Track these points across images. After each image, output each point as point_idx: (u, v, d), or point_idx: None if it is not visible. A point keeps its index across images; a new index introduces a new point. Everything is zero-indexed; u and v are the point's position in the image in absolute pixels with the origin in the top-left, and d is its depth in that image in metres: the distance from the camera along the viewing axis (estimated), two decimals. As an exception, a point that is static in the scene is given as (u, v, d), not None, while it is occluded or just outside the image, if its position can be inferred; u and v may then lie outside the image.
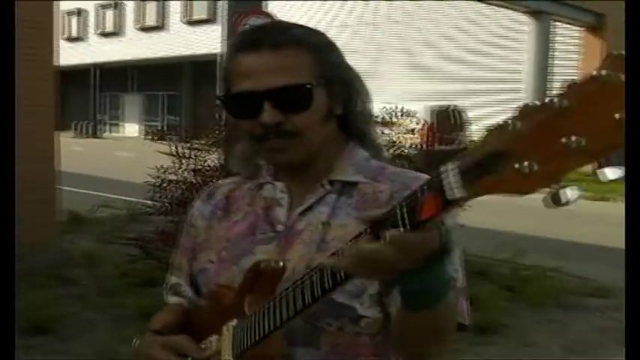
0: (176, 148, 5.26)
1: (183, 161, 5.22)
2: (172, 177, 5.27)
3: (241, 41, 1.18)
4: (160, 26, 29.00)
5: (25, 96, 6.28)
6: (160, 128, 30.85)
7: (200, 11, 26.79)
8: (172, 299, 1.34)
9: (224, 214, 1.29)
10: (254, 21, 7.47)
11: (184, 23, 27.47)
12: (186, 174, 5.30)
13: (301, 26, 1.22)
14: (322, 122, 1.18)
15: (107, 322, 4.98)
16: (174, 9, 28.57)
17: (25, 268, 6.02)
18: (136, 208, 8.87)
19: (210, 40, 26.28)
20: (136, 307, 5.13)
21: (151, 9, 29.74)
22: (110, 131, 33.94)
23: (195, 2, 27.23)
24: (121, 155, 21.51)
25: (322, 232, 1.16)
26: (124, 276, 5.84)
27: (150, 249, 5.10)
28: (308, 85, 1.14)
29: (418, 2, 22.39)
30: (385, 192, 1.17)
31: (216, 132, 5.45)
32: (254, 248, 1.21)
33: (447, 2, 21.47)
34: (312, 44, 1.17)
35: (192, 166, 5.34)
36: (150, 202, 5.56)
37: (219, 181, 1.36)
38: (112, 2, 31.63)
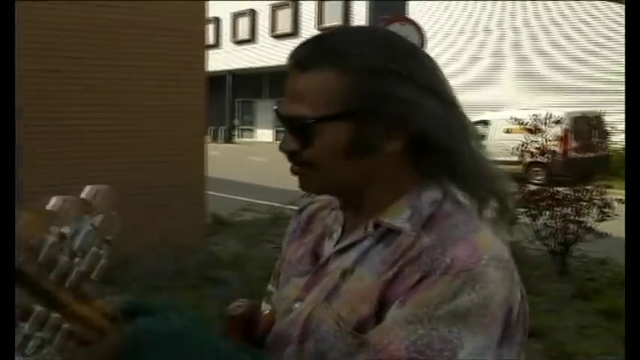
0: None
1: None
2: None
3: (289, 55, 1.05)
4: (293, 33, 29.67)
5: (178, 103, 6.56)
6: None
7: (332, 17, 27.12)
8: (264, 306, 1.24)
9: (301, 233, 1.19)
10: (397, 28, 7.42)
11: (317, 30, 27.90)
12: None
13: (359, 41, 1.02)
14: (347, 158, 1.01)
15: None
16: (307, 16, 29.15)
17: (177, 269, 6.29)
18: (277, 211, 9.08)
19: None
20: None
21: (284, 16, 30.50)
22: (243, 137, 35.07)
23: (327, 8, 27.64)
24: (255, 160, 22.10)
25: (338, 279, 1.03)
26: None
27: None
28: (309, 121, 0.99)
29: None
30: (419, 247, 0.98)
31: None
32: (291, 278, 1.13)
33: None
34: (352, 66, 0.99)
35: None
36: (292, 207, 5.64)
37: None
38: (246, 10, 32.72)
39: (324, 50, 1.01)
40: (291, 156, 1.05)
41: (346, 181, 1.05)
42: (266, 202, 9.66)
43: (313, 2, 28.62)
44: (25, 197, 5.65)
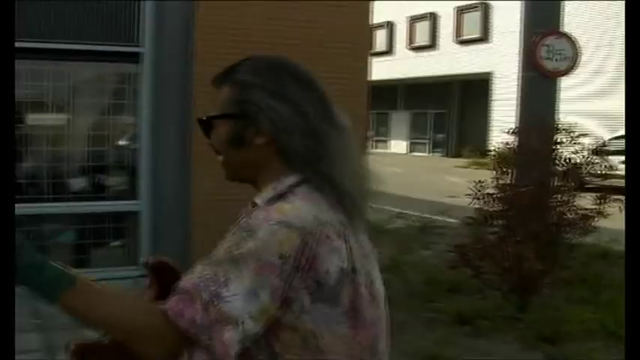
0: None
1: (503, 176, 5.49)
2: (490, 190, 5.54)
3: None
4: (430, 45, 29.66)
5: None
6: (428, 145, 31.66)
7: (472, 30, 26.96)
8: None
9: None
10: (552, 41, 7.48)
11: (455, 42, 27.84)
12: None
13: (248, 66, 1.41)
14: (232, 148, 1.37)
15: (420, 324, 5.37)
16: (446, 29, 29.06)
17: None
18: (425, 220, 9.35)
19: (480, 59, 26.29)
20: (448, 311, 5.45)
21: (422, 29, 30.56)
22: (377, 148, 35.50)
23: (466, 21, 27.44)
24: (391, 170, 22.37)
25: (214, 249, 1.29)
26: (431, 282, 6.21)
27: (469, 258, 5.41)
28: (205, 118, 1.41)
29: None
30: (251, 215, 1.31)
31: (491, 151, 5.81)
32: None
33: None
34: (234, 81, 1.38)
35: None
36: (440, 217, 5.88)
37: None
38: (383, 22, 33.10)
39: (227, 72, 1.41)
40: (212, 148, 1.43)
41: (237, 167, 1.40)
42: (408, 212, 9.91)
43: (451, 15, 28.49)
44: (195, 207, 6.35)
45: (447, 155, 29.88)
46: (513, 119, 23.66)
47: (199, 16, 6.22)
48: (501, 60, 25.13)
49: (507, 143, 5.83)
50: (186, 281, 1.23)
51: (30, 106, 6.10)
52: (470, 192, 5.62)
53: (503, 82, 25.07)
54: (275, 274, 1.19)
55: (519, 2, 24.05)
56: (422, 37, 30.56)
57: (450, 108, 30.09)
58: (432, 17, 29.84)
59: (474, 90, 27.95)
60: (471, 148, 25.94)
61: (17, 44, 5.87)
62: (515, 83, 24.60)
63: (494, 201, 5.47)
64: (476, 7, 26.78)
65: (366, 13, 7.19)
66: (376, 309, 1.34)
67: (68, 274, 1.21)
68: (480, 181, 5.62)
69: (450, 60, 27.70)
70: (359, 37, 7.12)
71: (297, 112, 1.33)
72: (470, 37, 27.15)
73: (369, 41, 7.28)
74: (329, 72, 6.78)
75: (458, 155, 27.59)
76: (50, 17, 5.91)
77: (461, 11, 27.61)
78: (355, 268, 1.28)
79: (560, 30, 8.14)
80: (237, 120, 1.36)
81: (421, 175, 20.05)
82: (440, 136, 30.89)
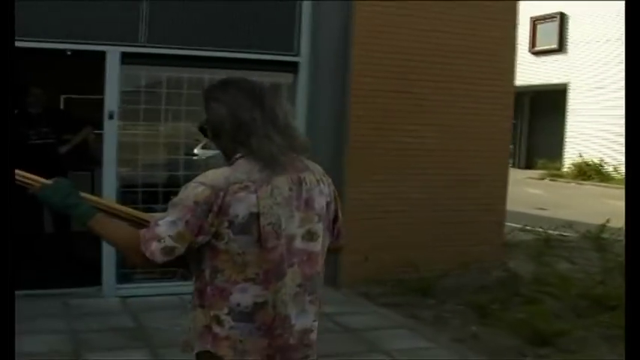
0: None
1: None
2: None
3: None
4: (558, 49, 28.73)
5: (488, 123, 6.85)
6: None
7: (547, 41, 26.46)
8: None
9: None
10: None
11: (531, 53, 27.35)
12: None
13: (211, 84, 2.14)
14: (213, 137, 2.07)
15: (600, 340, 5.18)
16: (521, 40, 28.45)
17: (481, 284, 6.55)
18: (546, 236, 9.13)
19: (554, 71, 25.82)
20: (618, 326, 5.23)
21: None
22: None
23: (541, 32, 26.94)
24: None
25: None
26: (587, 296, 6.03)
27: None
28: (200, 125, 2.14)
29: None
30: None
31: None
32: None
33: None
34: (205, 97, 2.10)
35: None
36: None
37: None
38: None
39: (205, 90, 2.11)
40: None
41: (221, 150, 2.06)
42: (527, 226, 9.71)
43: (527, 26, 27.90)
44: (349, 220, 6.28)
45: (515, 166, 29.36)
46: (589, 131, 23.33)
47: (356, 21, 6.18)
48: (577, 71, 24.63)
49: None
50: (153, 219, 1.99)
51: (185, 114, 6.13)
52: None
53: (578, 93, 24.58)
54: (190, 214, 1.87)
55: (597, 12, 23.66)
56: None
57: (521, 119, 29.55)
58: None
59: (544, 101, 27.43)
60: (544, 160, 25.46)
61: (172, 52, 5.87)
62: (592, 94, 24.18)
63: None
64: (552, 17, 26.25)
65: (513, 24, 7.09)
66: (277, 240, 1.94)
67: (92, 210, 2.01)
68: None
69: (523, 71, 27.07)
70: (504, 47, 7.01)
71: (230, 111, 1.99)
72: (545, 47, 26.61)
73: (514, 54, 7.14)
74: (478, 78, 6.73)
75: (528, 167, 27.09)
76: (199, 23, 5.92)
77: (536, 22, 27.11)
78: (261, 213, 1.90)
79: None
80: (207, 121, 2.07)
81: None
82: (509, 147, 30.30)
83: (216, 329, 1.95)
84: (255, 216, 1.90)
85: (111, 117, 5.67)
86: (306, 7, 6.16)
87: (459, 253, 6.65)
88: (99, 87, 5.81)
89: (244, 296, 1.93)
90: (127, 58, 5.70)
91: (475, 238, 6.87)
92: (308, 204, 2.01)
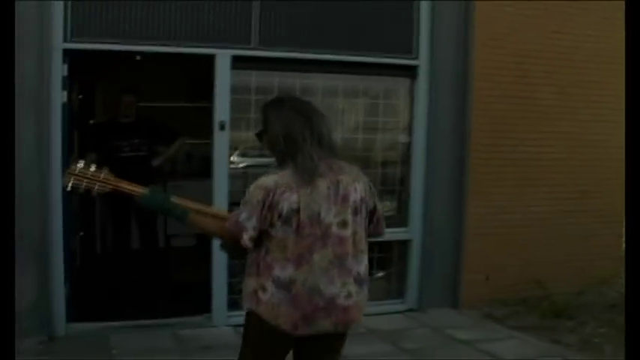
0: None
1: None
2: None
3: None
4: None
5: (607, 132, 6.34)
6: None
7: None
8: None
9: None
10: None
11: None
12: None
13: (266, 101, 2.73)
14: (268, 148, 2.66)
15: None
16: None
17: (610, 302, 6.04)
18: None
19: None
20: None
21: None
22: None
23: None
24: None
25: None
26: None
27: None
28: (256, 132, 2.75)
29: None
30: None
31: None
32: None
33: None
34: (262, 110, 2.68)
35: None
36: None
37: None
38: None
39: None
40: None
41: (275, 157, 2.61)
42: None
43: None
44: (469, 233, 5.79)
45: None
46: None
47: (477, 23, 5.67)
48: None
49: None
50: (232, 214, 2.57)
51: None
52: None
53: None
54: (258, 209, 2.47)
55: None
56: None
57: None
58: None
59: None
60: None
61: (286, 55, 5.29)
62: None
63: None
64: None
65: None
66: (312, 229, 2.48)
67: (186, 209, 2.64)
68: None
69: None
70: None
71: (284, 130, 2.54)
72: None
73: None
74: (606, 83, 6.23)
75: None
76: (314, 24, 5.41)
77: None
78: (300, 208, 2.46)
79: None
80: (264, 133, 2.65)
81: None
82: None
83: (261, 294, 2.53)
84: (296, 211, 2.47)
85: (222, 128, 5.15)
86: (425, 8, 5.64)
87: (581, 268, 6.18)
88: (198, 94, 5.30)
89: (283, 272, 2.49)
90: (237, 62, 5.18)
91: (596, 252, 6.38)
92: (344, 199, 2.56)
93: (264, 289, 2.52)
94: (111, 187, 2.62)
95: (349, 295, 2.56)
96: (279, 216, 2.46)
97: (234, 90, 5.22)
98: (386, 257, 5.84)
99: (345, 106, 5.69)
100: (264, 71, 5.36)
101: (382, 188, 5.73)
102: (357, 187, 2.60)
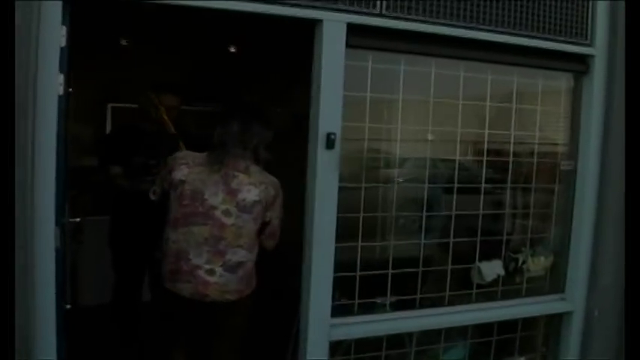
0: None
1: None
2: None
3: None
4: None
5: None
6: None
7: None
8: None
9: None
10: None
11: None
12: None
13: None
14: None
15: None
16: None
17: None
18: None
19: None
20: None
21: None
22: None
23: None
24: None
25: None
26: None
27: None
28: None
29: None
30: None
31: None
32: None
33: None
34: None
35: None
36: None
37: None
38: None
39: None
40: None
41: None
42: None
43: None
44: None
45: None
46: None
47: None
48: None
49: None
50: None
51: (434, 118, 3.59)
52: None
53: None
54: (163, 172, 3.14)
55: None
56: None
57: None
58: None
59: None
60: None
61: (422, 28, 3.01)
62: None
63: None
64: None
65: None
66: (192, 202, 2.92)
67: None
68: None
69: None
70: None
71: (223, 126, 3.04)
72: None
73: None
74: None
75: None
76: None
77: None
78: (186, 181, 2.92)
79: None
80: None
81: None
82: None
83: (164, 245, 3.04)
84: (182, 182, 2.93)
85: (330, 144, 3.05)
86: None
87: None
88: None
89: (167, 229, 3.00)
90: (353, 36, 3.09)
91: None
92: (232, 193, 2.94)
93: (165, 241, 3.03)
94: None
95: (212, 273, 2.92)
96: (171, 182, 2.96)
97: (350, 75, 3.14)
98: (531, 336, 3.96)
99: (496, 112, 3.70)
100: (388, 53, 3.29)
101: (528, 236, 3.83)
102: (253, 190, 2.97)
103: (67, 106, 2.80)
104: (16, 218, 2.52)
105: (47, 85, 2.72)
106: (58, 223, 2.75)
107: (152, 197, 3.01)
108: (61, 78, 2.75)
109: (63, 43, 2.74)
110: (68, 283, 3.04)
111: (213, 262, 2.90)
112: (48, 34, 2.71)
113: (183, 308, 2.97)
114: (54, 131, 2.73)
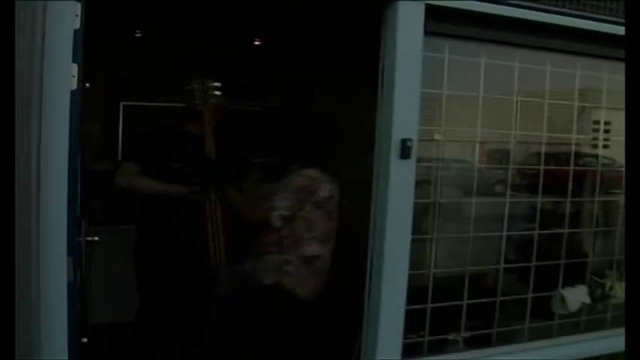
0: None
1: None
2: None
3: None
4: None
5: None
6: None
7: None
8: None
9: None
10: None
11: None
12: None
13: None
14: None
15: None
16: None
17: None
18: None
19: None
20: None
21: None
22: None
23: None
24: None
25: None
26: None
27: None
28: None
29: None
30: None
31: None
32: None
33: None
34: None
35: None
36: None
37: None
38: None
39: None
40: None
41: None
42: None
43: None
44: None
45: None
46: None
47: None
48: None
49: None
50: None
51: (521, 116, 3.02)
52: None
53: None
54: None
55: None
56: None
57: None
58: None
59: None
60: None
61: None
62: None
63: None
64: None
65: None
66: None
67: None
68: None
69: None
70: None
71: None
72: None
73: None
74: None
75: None
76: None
77: None
78: None
79: None
80: None
81: None
82: None
83: None
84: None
85: (405, 154, 2.47)
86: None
87: None
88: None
89: None
90: (432, 21, 2.52)
91: None
92: None
93: None
94: None
95: None
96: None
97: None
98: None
99: (580, 113, 3.13)
100: (472, 42, 2.72)
101: (615, 257, 3.29)
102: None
103: (83, 104, 2.21)
104: (16, 252, 1.94)
105: (57, 77, 2.11)
106: (70, 252, 2.16)
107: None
108: (74, 69, 2.14)
109: (77, 24, 2.14)
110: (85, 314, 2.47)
111: None
112: (58, 13, 2.10)
113: None
114: (65, 135, 2.14)
